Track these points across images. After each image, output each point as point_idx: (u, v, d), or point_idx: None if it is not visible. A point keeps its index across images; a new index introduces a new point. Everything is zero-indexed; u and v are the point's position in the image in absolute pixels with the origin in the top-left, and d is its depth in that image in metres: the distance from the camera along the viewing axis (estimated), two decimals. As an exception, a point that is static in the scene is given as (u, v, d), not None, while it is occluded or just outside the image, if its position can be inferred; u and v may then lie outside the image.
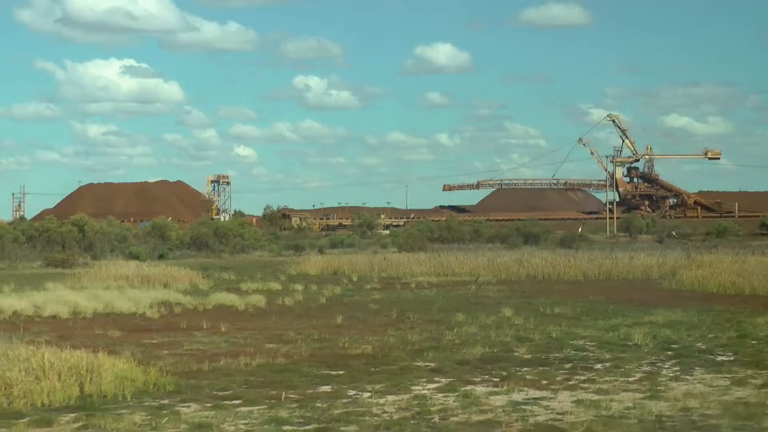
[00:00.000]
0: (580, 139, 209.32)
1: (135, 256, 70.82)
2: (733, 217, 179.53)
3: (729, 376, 19.79)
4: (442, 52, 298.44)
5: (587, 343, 25.11)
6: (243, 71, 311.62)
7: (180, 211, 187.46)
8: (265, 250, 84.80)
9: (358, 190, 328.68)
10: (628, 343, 24.75)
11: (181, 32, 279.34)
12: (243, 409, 16.43)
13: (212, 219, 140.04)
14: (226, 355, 22.66)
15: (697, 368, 20.85)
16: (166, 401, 17.19)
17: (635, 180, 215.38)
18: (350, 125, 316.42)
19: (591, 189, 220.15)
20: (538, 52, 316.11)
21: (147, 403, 16.97)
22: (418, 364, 21.49)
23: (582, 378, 19.57)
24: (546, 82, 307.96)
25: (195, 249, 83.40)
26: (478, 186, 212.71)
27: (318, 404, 16.78)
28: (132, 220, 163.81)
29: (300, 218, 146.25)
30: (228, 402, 17.00)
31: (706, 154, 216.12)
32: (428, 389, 18.32)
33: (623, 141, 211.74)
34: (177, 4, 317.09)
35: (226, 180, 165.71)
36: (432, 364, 21.42)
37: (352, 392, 18.01)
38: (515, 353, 23.16)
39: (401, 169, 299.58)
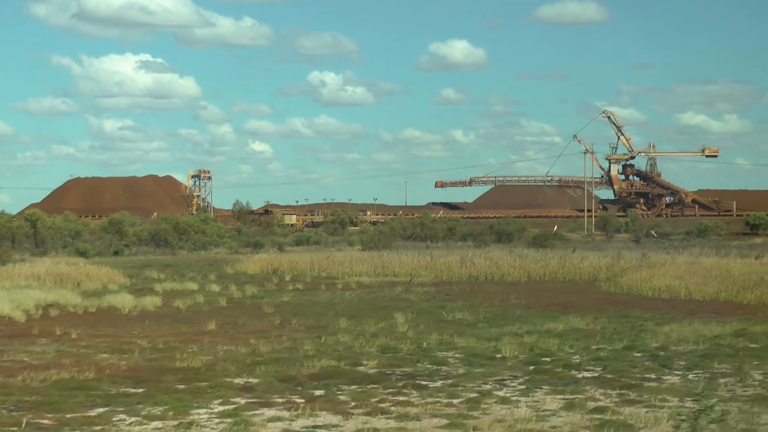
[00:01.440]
0: (575, 136, 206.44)
1: (82, 253, 68.73)
2: (731, 215, 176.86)
3: (570, 397, 17.60)
4: (457, 49, 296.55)
5: (455, 354, 22.96)
6: (258, 67, 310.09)
7: (168, 206, 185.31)
8: (224, 247, 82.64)
9: (367, 186, 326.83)
10: (497, 356, 22.60)
11: (196, 27, 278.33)
12: (-35, 438, 14.29)
13: (192, 214, 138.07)
14: (38, 368, 20.55)
15: (544, 387, 18.67)
16: None
17: (631, 177, 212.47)
18: (365, 121, 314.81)
19: (580, 186, 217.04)
20: (553, 48, 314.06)
21: None
22: (238, 380, 19.33)
23: (401, 399, 17.39)
24: (561, 79, 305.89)
25: (154, 245, 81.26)
26: (470, 183, 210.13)
27: (59, 432, 14.62)
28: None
29: (272, 214, 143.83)
30: (-41, 429, 14.84)
31: (703, 151, 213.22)
32: (211, 413, 16.16)
33: (619, 138, 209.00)
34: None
35: (207, 175, 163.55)
36: (253, 380, 19.27)
37: (119, 417, 15.86)
38: (360, 367, 21.01)
39: (416, 165, 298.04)
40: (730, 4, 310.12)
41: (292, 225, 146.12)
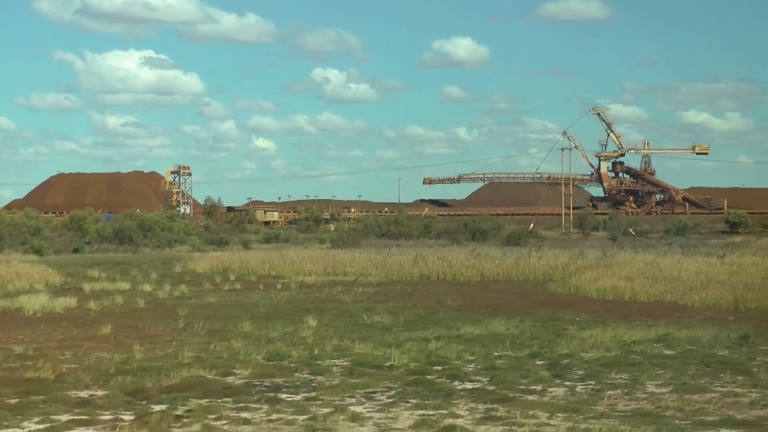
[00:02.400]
0: (565, 132, 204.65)
1: (36, 251, 67.18)
2: (722, 213, 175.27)
3: (431, 413, 16.10)
4: (461, 46, 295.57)
5: (343, 362, 21.47)
6: (262, 63, 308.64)
7: (152, 202, 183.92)
8: (188, 244, 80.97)
9: (371, 182, 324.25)
10: (386, 364, 21.05)
11: (199, 24, 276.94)
12: None
13: (172, 210, 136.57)
14: None
15: (411, 401, 17.17)
16: None
17: (621, 175, 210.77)
18: (368, 118, 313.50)
19: (575, 183, 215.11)
20: (557, 46, 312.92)
21: None
22: (83, 393, 17.82)
23: (243, 416, 15.92)
24: (564, 77, 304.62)
25: (117, 243, 79.61)
26: (459, 180, 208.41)
27: None
28: (100, 211, 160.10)
29: (243, 211, 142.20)
30: None
31: (694, 148, 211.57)
32: (17, 432, 14.64)
33: (609, 135, 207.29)
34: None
35: (187, 171, 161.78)
36: (99, 393, 17.77)
37: None
38: (229, 378, 19.53)
39: (419, 162, 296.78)
40: (733, 2, 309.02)
41: (274, 222, 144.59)
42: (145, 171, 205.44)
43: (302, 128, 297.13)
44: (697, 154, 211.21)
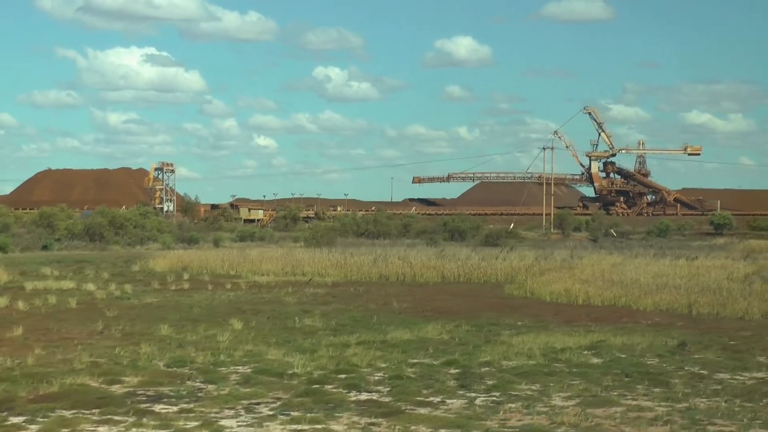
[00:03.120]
0: (556, 132, 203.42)
1: (1, 247, 66.01)
2: (714, 214, 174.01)
3: (305, 428, 14.98)
4: (463, 46, 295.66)
5: (244, 369, 20.40)
6: (263, 61, 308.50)
7: (138, 199, 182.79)
8: (159, 242, 79.77)
9: (369, 181, 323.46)
10: (288, 372, 19.93)
11: (201, 21, 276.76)
12: None
13: (155, 207, 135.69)
14: None
15: (293, 413, 16.09)
16: None
17: (612, 175, 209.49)
18: (370, 117, 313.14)
19: (566, 183, 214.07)
20: (559, 46, 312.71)
21: None
22: (-54, 401, 16.64)
23: (101, 430, 14.79)
24: (566, 77, 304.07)
25: (87, 240, 78.39)
26: (448, 179, 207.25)
27: None
28: (86, 207, 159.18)
29: (218, 208, 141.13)
30: None
31: (685, 149, 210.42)
32: None
33: (599, 135, 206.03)
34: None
35: (170, 168, 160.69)
36: (-37, 402, 16.60)
37: None
38: (114, 386, 18.42)
39: (421, 161, 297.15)
40: (735, 3, 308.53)
41: (259, 220, 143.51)
42: (134, 168, 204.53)
43: (303, 126, 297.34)
44: (689, 154, 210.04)
